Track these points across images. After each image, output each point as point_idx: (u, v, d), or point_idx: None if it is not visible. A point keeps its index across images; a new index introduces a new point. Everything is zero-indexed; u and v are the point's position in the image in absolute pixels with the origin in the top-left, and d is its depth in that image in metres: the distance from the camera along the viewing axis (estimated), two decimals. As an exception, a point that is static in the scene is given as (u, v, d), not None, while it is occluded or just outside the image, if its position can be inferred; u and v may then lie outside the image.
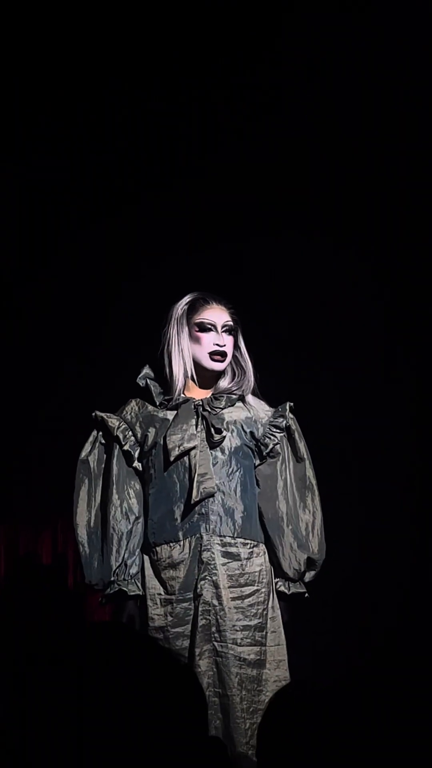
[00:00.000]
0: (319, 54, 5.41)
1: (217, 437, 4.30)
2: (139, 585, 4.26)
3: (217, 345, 4.37)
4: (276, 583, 4.33)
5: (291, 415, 4.45)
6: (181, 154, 5.58)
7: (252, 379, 4.45)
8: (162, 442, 4.31)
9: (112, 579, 4.25)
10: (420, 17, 5.30)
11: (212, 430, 4.31)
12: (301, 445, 4.44)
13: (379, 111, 5.42)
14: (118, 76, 5.51)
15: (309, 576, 4.36)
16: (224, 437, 4.32)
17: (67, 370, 5.57)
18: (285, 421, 4.43)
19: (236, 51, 5.46)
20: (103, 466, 4.39)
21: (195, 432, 4.31)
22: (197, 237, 5.53)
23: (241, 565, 4.27)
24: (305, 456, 4.44)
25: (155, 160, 5.58)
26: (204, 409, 4.35)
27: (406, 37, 5.34)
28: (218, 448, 4.32)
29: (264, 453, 4.40)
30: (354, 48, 5.38)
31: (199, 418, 4.34)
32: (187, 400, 4.37)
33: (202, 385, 4.43)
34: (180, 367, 4.38)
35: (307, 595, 4.36)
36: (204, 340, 4.38)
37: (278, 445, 4.41)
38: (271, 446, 4.40)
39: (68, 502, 4.42)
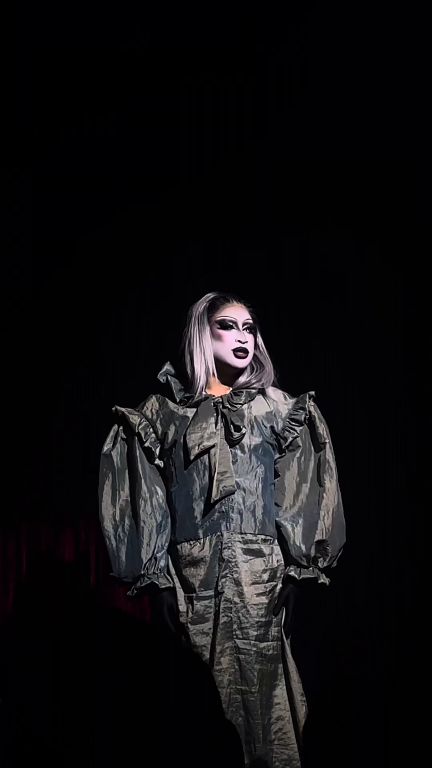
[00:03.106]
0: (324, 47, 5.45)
1: (236, 435, 4.28)
2: (169, 577, 4.24)
3: (240, 342, 4.35)
4: (287, 569, 4.28)
5: (312, 404, 4.42)
6: (188, 153, 5.62)
7: (272, 372, 4.42)
8: (182, 440, 4.29)
9: (143, 572, 4.23)
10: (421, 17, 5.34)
11: (231, 427, 4.29)
12: (322, 431, 4.39)
13: (382, 109, 5.46)
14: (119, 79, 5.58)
15: (323, 562, 4.28)
16: (243, 434, 4.29)
17: (84, 366, 5.57)
18: (305, 414, 4.40)
19: (236, 50, 5.52)
20: (126, 460, 4.37)
21: (215, 430, 4.29)
22: (209, 236, 5.58)
23: (264, 561, 4.25)
24: (326, 440, 4.39)
25: (160, 162, 5.62)
26: (224, 407, 4.33)
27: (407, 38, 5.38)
28: (238, 446, 4.29)
29: (283, 446, 4.38)
30: (359, 38, 5.41)
31: (219, 416, 4.32)
32: (206, 398, 4.35)
33: (224, 383, 4.40)
34: (202, 365, 4.35)
35: (321, 582, 4.28)
36: (226, 338, 4.36)
37: (298, 438, 4.39)
38: (290, 439, 4.37)
39: (89, 499, 4.42)
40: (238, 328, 4.38)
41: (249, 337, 4.39)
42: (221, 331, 4.38)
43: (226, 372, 4.41)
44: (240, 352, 4.37)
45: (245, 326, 4.40)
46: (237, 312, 4.41)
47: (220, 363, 4.39)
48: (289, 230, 5.51)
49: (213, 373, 4.39)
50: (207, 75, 5.54)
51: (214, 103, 5.58)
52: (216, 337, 4.38)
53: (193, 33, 5.48)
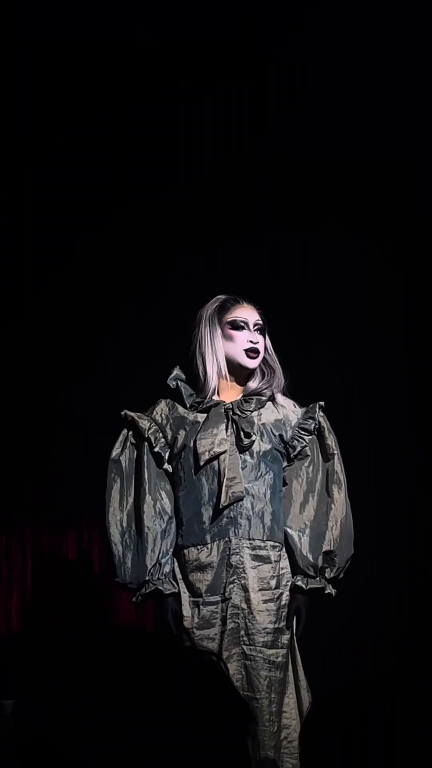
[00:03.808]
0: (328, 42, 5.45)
1: (246, 441, 4.25)
2: (174, 583, 4.22)
3: (251, 342, 4.32)
4: (294, 578, 4.27)
5: (321, 414, 4.40)
6: (188, 153, 5.62)
7: (282, 378, 4.39)
8: (192, 445, 4.26)
9: (147, 578, 4.21)
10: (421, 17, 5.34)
11: (242, 434, 4.26)
12: (331, 442, 4.37)
13: (382, 109, 5.46)
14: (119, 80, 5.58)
15: (330, 572, 4.28)
16: (254, 441, 4.27)
17: (85, 366, 5.58)
18: (314, 423, 4.37)
19: (236, 50, 5.52)
20: (134, 465, 4.34)
21: (225, 436, 4.26)
22: (209, 236, 5.58)
23: (272, 567, 4.23)
24: (335, 451, 4.37)
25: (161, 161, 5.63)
26: (234, 413, 4.30)
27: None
28: (247, 452, 4.27)
29: (292, 455, 4.36)
30: (359, 38, 5.41)
31: (229, 422, 4.29)
32: (217, 404, 4.32)
33: (236, 383, 4.37)
34: (213, 367, 4.32)
35: (328, 592, 4.28)
36: (237, 338, 4.33)
37: (306, 448, 4.36)
38: (299, 448, 4.35)
39: (92, 500, 4.41)
40: (249, 329, 4.36)
41: (260, 338, 4.36)
42: (232, 332, 4.35)
43: (237, 373, 4.38)
44: (251, 352, 4.34)
45: (256, 327, 4.37)
46: (247, 313, 4.39)
47: (231, 364, 4.36)
48: (289, 230, 5.51)
49: (225, 375, 4.36)
50: (207, 75, 5.53)
51: (214, 103, 5.57)
52: (227, 337, 4.35)
53: (193, 33, 5.48)
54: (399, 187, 5.42)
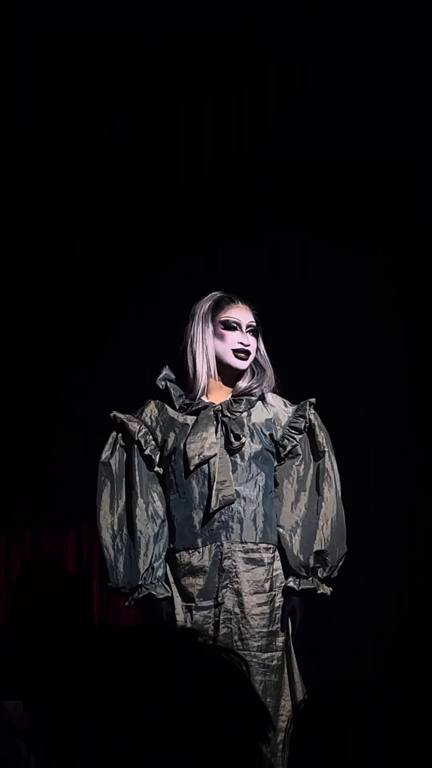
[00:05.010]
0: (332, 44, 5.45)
1: (236, 444, 4.20)
2: (166, 587, 4.18)
3: (242, 343, 4.28)
4: (287, 580, 4.22)
5: (312, 411, 4.34)
6: (188, 153, 5.63)
7: (272, 377, 4.34)
8: (182, 448, 4.22)
9: (140, 583, 4.16)
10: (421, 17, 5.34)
11: (231, 436, 4.21)
12: (321, 439, 4.31)
13: (382, 109, 5.46)
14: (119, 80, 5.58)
15: (323, 572, 4.23)
16: (243, 443, 4.22)
17: (85, 366, 5.60)
18: (305, 422, 4.32)
19: (236, 50, 5.52)
20: (124, 468, 4.30)
21: (215, 440, 4.21)
22: (209, 236, 5.59)
23: (266, 570, 4.19)
24: (325, 449, 4.31)
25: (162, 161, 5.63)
26: (224, 415, 4.25)
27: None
28: (237, 454, 4.22)
29: (282, 455, 4.31)
30: (359, 38, 5.42)
31: (219, 424, 4.24)
32: (206, 406, 4.27)
33: (224, 384, 4.32)
34: (203, 365, 4.28)
35: (321, 592, 4.23)
36: (228, 338, 4.28)
37: (297, 446, 4.32)
38: (289, 448, 4.31)
39: (93, 502, 4.38)
40: (241, 330, 4.31)
41: (251, 340, 4.31)
42: (224, 331, 4.30)
43: (226, 373, 4.32)
44: (241, 353, 4.29)
45: (248, 329, 4.32)
46: (241, 314, 4.34)
47: (220, 364, 4.31)
48: (289, 230, 5.51)
49: (214, 375, 4.32)
50: (207, 75, 5.53)
51: (214, 103, 5.56)
52: (218, 336, 4.30)
53: (192, 33, 5.47)
54: (399, 187, 5.41)
